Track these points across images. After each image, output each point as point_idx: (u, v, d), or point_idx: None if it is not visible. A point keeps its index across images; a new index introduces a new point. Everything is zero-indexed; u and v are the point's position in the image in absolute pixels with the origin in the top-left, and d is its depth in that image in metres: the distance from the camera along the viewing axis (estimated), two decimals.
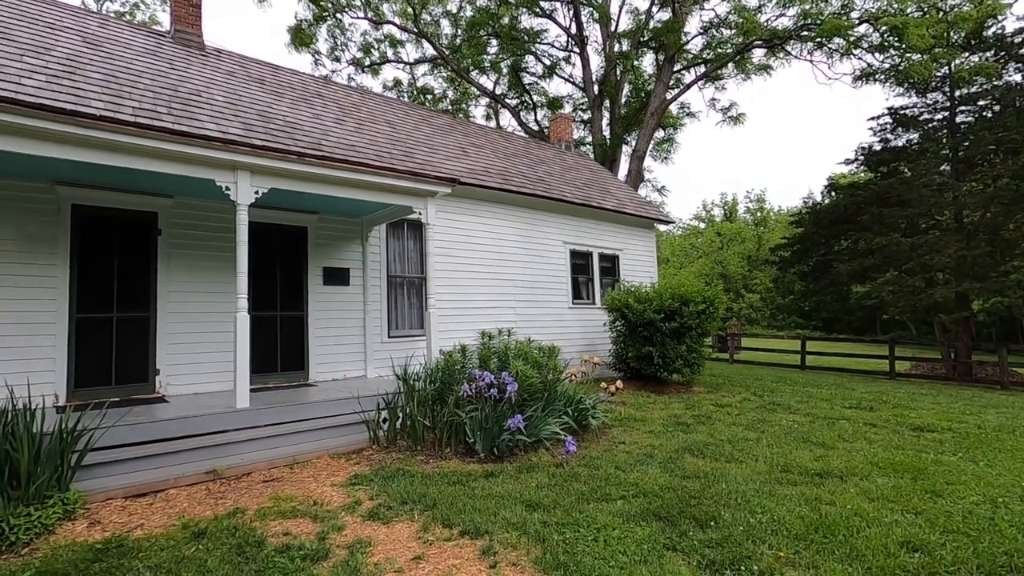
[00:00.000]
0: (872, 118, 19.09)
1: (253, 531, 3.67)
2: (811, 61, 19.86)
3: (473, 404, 5.67)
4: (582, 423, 6.36)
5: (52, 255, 6.04)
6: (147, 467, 4.68)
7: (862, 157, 19.54)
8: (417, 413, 5.77)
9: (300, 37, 20.95)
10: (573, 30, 22.78)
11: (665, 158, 26.58)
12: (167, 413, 5.30)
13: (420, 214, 7.17)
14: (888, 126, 18.81)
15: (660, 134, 25.02)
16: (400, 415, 5.93)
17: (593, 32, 23.53)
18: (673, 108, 24.04)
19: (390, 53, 23.93)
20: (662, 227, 16.44)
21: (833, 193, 21.65)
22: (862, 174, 21.53)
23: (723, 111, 23.47)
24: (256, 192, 5.70)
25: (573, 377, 7.31)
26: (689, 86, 22.24)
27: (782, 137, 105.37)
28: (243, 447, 5.22)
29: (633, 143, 22.22)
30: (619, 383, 7.70)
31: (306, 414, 5.76)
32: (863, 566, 3.17)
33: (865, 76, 18.61)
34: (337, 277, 8.17)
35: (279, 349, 7.60)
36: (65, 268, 6.11)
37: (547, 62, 24.48)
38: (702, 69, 22.07)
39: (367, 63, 23.48)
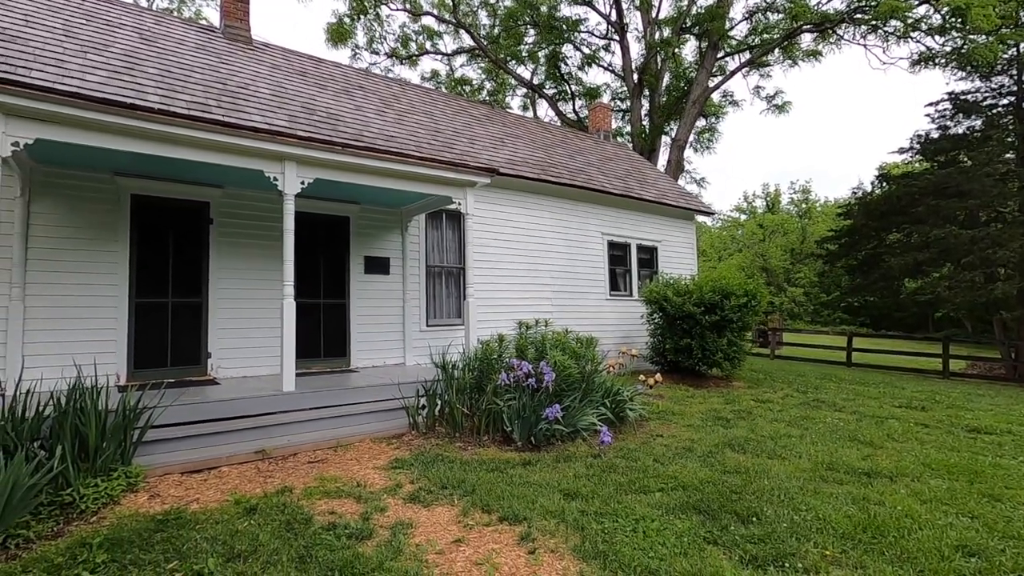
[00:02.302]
0: (930, 104, 18.17)
1: (300, 509, 3.81)
2: (864, 45, 18.98)
3: (511, 393, 5.72)
4: (619, 415, 6.33)
5: (113, 242, 6.37)
6: (201, 445, 4.91)
7: (918, 145, 18.62)
8: (456, 401, 5.86)
9: (338, 32, 21.28)
10: (613, 17, 22.40)
11: (706, 148, 25.95)
12: (219, 395, 5.54)
13: (459, 204, 7.23)
14: (947, 112, 17.87)
15: (701, 123, 24.44)
16: (439, 402, 6.03)
17: (633, 19, 23.10)
18: (715, 96, 23.41)
19: (428, 45, 24.07)
20: (701, 219, 16.10)
21: (885, 183, 20.75)
22: (917, 163, 20.53)
23: (768, 99, 22.74)
24: (302, 182, 5.85)
25: (611, 369, 7.28)
26: (733, 73, 21.60)
27: (830, 126, 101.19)
28: (290, 429, 5.41)
29: (673, 133, 21.78)
30: (658, 376, 7.61)
31: (349, 399, 5.92)
32: (915, 568, 3.07)
33: (923, 60, 17.66)
34: (378, 266, 8.34)
35: (322, 336, 7.82)
36: (125, 255, 6.43)
37: (586, 51, 24.18)
38: (747, 56, 21.38)
39: (405, 55, 23.69)
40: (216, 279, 7.00)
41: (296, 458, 5.05)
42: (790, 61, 20.99)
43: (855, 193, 24.60)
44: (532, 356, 6.34)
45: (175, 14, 22.37)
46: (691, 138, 22.66)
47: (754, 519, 3.69)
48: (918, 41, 17.85)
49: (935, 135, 18.14)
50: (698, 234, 14.95)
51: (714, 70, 21.39)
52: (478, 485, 4.30)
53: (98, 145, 4.83)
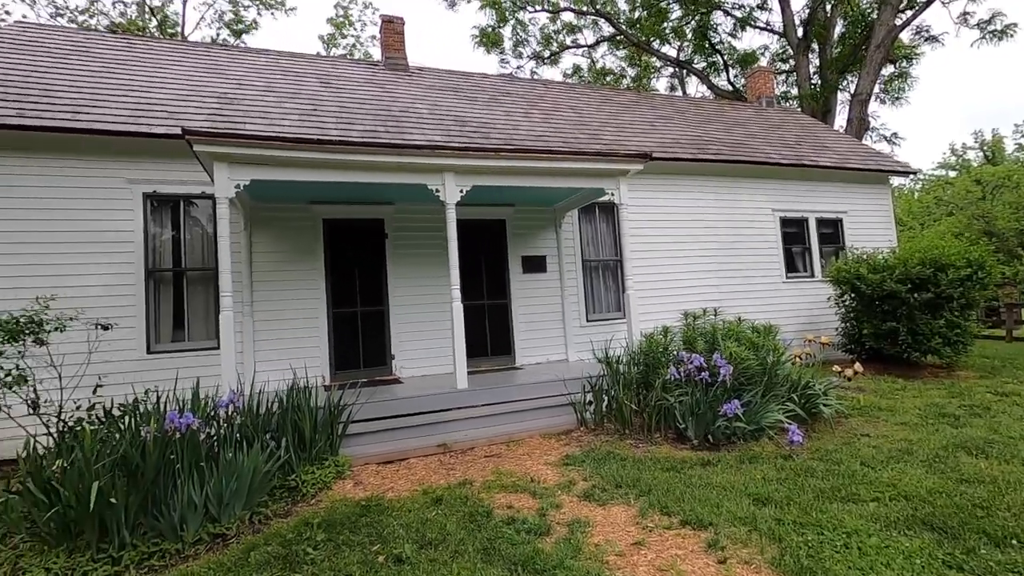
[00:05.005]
0: None
1: (481, 502, 3.98)
2: None
3: (681, 388, 5.39)
4: (811, 411, 5.61)
5: (313, 261, 7.35)
6: (392, 439, 5.43)
7: None
8: (623, 396, 5.69)
9: (486, 39, 22.30)
10: None
11: (896, 98, 22.08)
12: (403, 392, 6.08)
13: (612, 195, 7.03)
14: None
15: (888, 71, 20.86)
16: (605, 398, 5.91)
17: None
18: (905, 36, 19.79)
19: (568, 40, 24.11)
20: (897, 182, 13.70)
21: None
22: None
23: (981, 26, 18.57)
24: (461, 191, 6.16)
25: (796, 359, 6.50)
26: (928, 4, 18.07)
27: None
28: (465, 424, 5.73)
29: (852, 87, 18.95)
30: (856, 366, 6.61)
31: (517, 395, 6.09)
32: None
33: None
34: (535, 265, 8.49)
35: (488, 335, 8.19)
36: (322, 272, 7.38)
37: (738, 15, 22.15)
38: None
39: (547, 55, 24.00)
40: (393, 287, 7.71)
41: (473, 452, 5.32)
42: None
43: None
44: (702, 348, 5.91)
45: (347, 56, 25.39)
46: (876, 89, 19.45)
47: (1013, 542, 2.97)
48: None
49: None
50: (893, 200, 12.71)
51: (901, 5, 18.10)
52: (654, 485, 4.10)
53: (294, 179, 5.58)
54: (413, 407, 5.64)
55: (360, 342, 7.56)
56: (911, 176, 13.28)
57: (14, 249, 6.05)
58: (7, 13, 17.16)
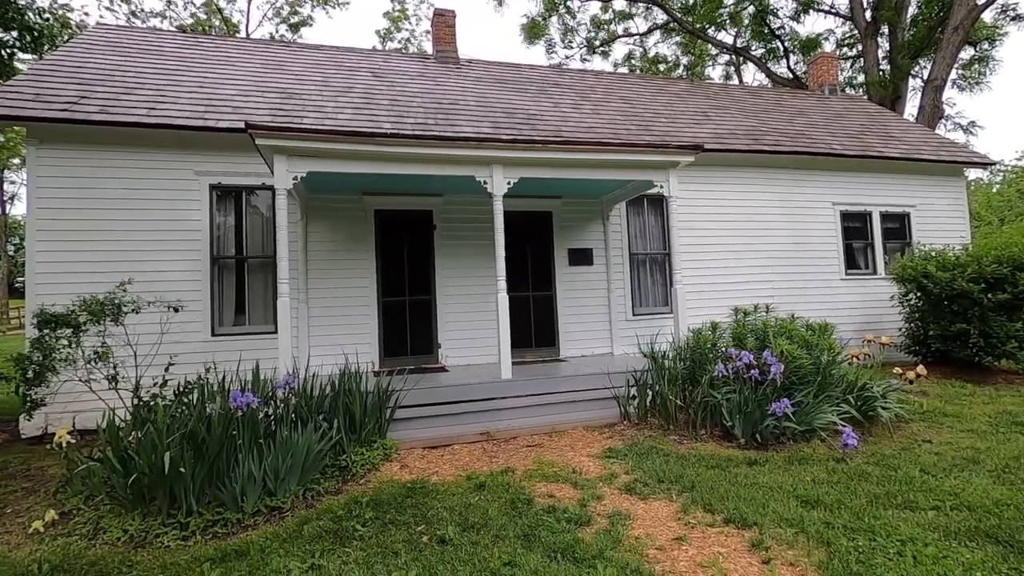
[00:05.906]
0: None
1: (522, 490, 4.05)
2: None
3: (729, 385, 5.28)
4: (868, 414, 5.38)
5: (365, 251, 7.59)
6: (437, 425, 5.57)
7: None
8: (668, 392, 5.62)
9: (533, 30, 22.18)
10: None
11: (976, 84, 20.56)
12: (449, 380, 6.22)
13: (661, 187, 6.92)
14: None
15: (967, 54, 19.41)
16: (649, 393, 5.86)
17: None
18: (987, 16, 18.33)
19: (619, 29, 23.66)
20: (974, 174, 12.78)
21: None
22: None
23: None
24: (508, 183, 6.21)
25: (854, 359, 6.23)
26: None
27: None
28: (509, 413, 5.81)
29: (926, 72, 17.77)
30: (920, 368, 6.28)
31: (561, 387, 6.12)
32: None
33: None
34: (581, 257, 8.46)
35: (532, 326, 8.24)
36: (373, 261, 7.61)
37: None
38: None
39: (598, 43, 23.64)
40: (441, 278, 7.86)
41: (515, 441, 5.39)
42: None
43: None
44: (752, 345, 5.75)
45: (401, 50, 25.82)
46: (952, 75, 18.16)
47: None
48: None
49: None
50: (968, 194, 11.86)
51: None
52: (698, 482, 4.06)
53: (348, 171, 5.79)
54: (458, 395, 5.76)
55: (408, 330, 7.76)
56: (990, 168, 12.37)
57: (97, 236, 6.53)
58: (86, 14, 18.34)
